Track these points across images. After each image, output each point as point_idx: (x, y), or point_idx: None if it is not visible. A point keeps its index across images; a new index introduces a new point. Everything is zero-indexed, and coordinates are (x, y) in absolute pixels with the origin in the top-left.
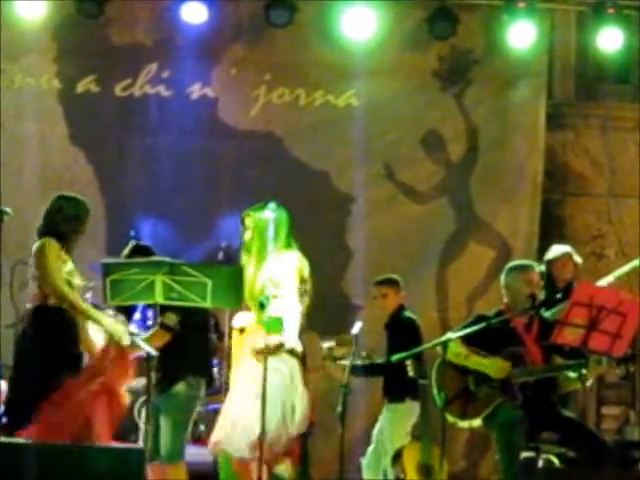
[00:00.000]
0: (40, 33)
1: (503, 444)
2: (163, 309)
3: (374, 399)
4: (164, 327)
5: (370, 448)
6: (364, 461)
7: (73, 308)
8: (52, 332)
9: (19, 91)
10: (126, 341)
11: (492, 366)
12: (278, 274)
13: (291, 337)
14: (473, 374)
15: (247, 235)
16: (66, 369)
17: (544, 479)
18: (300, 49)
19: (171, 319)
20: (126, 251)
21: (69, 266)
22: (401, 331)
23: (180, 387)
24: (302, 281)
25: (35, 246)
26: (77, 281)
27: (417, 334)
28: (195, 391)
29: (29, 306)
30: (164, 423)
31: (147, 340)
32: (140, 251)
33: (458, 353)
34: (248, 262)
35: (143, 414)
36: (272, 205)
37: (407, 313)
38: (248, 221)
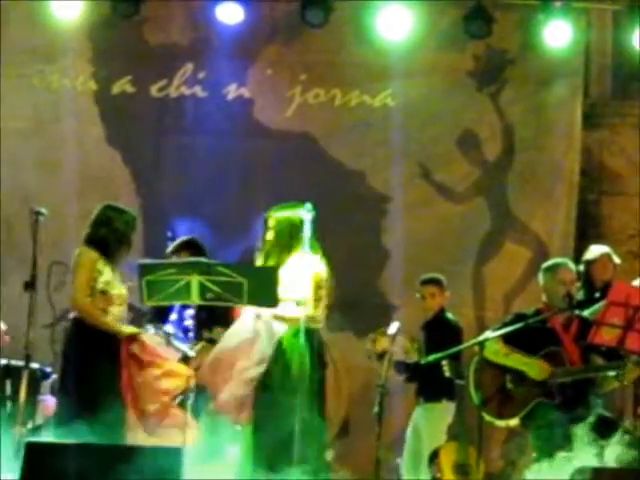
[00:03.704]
0: (76, 34)
1: (541, 445)
2: (209, 324)
3: (411, 399)
4: (212, 342)
5: (407, 449)
6: (403, 462)
7: (90, 318)
8: (87, 343)
9: (56, 92)
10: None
11: (533, 367)
12: (289, 278)
13: None
14: (511, 373)
15: (269, 235)
16: (100, 379)
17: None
18: (336, 49)
19: (219, 334)
20: (175, 244)
21: (107, 276)
22: (444, 332)
23: None
24: (317, 287)
25: (74, 254)
26: (116, 291)
27: (460, 337)
28: None
29: (72, 315)
30: (207, 423)
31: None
32: (190, 246)
33: (497, 351)
34: (266, 262)
35: None
36: (298, 206)
37: (450, 315)
38: (270, 221)
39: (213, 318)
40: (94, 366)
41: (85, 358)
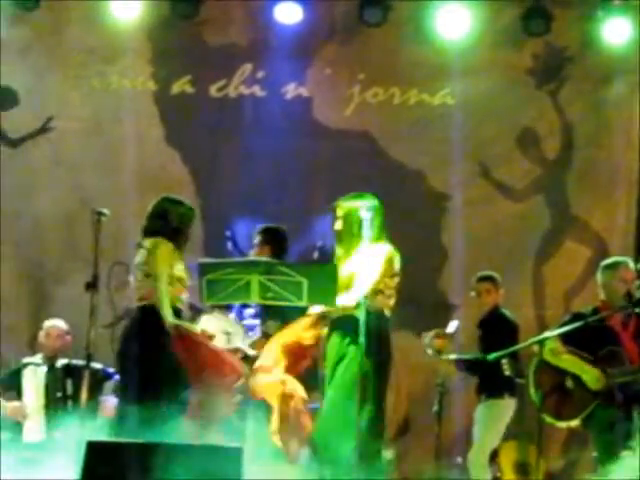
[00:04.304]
0: (135, 34)
1: (602, 445)
2: (263, 318)
3: (471, 398)
4: (266, 337)
5: (474, 447)
6: (471, 459)
7: (159, 304)
8: (157, 330)
9: (115, 93)
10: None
11: (589, 375)
12: (364, 267)
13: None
14: (572, 375)
15: (337, 225)
16: (166, 368)
17: None
18: (394, 48)
19: (273, 327)
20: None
21: (182, 265)
22: (500, 329)
23: None
24: (392, 275)
25: (147, 245)
26: (185, 278)
27: (516, 333)
28: None
29: (137, 304)
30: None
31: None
32: (271, 234)
33: (552, 350)
34: (337, 252)
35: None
36: (366, 196)
37: (507, 312)
38: (339, 211)
39: (267, 312)
40: (157, 365)
41: (148, 357)
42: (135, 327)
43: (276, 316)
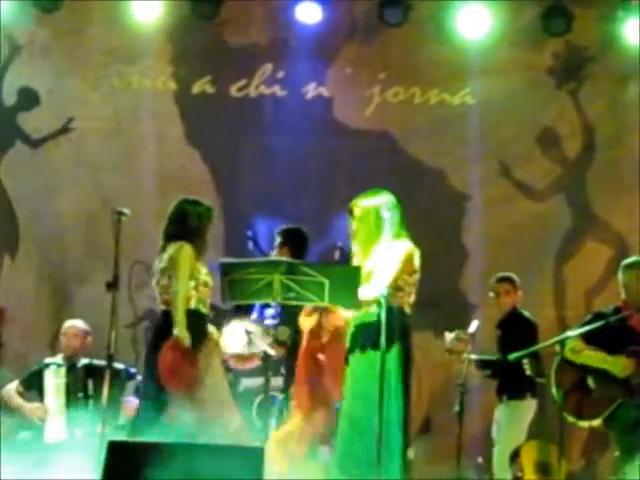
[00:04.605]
0: (156, 35)
1: (625, 445)
2: (276, 323)
3: (491, 398)
4: (277, 342)
5: (495, 448)
6: (494, 460)
7: (176, 312)
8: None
9: (136, 93)
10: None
11: (615, 364)
12: (383, 263)
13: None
14: (595, 372)
15: (354, 225)
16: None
17: None
18: (415, 48)
19: (284, 333)
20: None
21: (205, 268)
22: (520, 330)
23: None
24: (411, 272)
25: (171, 250)
26: (211, 282)
27: (536, 333)
28: None
29: (162, 307)
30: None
31: None
32: (290, 235)
33: (573, 348)
34: (354, 251)
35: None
36: (383, 192)
37: (526, 313)
38: (356, 210)
39: (280, 317)
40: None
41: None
42: (158, 333)
43: (289, 323)
